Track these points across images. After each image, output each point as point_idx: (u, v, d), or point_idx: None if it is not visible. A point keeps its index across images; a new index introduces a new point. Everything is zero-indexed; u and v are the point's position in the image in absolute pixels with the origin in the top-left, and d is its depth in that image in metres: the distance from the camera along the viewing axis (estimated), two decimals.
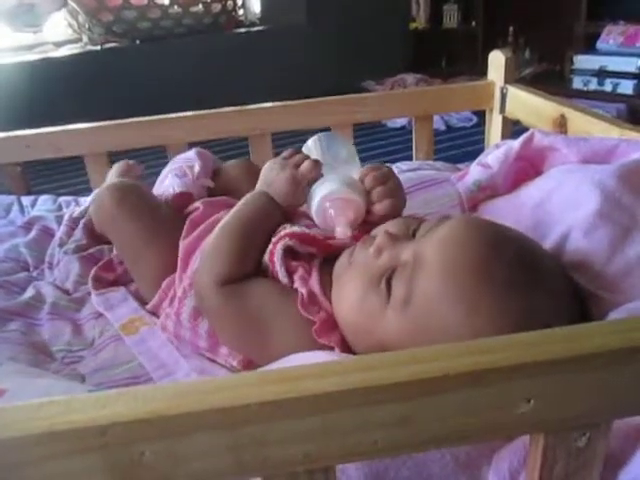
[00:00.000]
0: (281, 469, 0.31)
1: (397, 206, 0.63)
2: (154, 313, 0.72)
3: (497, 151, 0.73)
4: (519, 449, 0.37)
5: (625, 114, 2.56)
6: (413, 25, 3.62)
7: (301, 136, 0.73)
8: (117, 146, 1.03)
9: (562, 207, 0.59)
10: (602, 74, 2.74)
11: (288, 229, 0.60)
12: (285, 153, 0.67)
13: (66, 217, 0.94)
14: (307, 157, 0.65)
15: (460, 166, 1.03)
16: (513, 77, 1.06)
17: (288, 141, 0.71)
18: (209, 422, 0.29)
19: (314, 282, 0.57)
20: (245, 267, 0.59)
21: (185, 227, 0.74)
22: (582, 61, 2.82)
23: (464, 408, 0.31)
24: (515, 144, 0.71)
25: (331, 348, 0.53)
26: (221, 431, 0.29)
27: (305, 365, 0.31)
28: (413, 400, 0.30)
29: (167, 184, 0.87)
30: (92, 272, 0.81)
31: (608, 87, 2.72)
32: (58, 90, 2.52)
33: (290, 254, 0.59)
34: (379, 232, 0.54)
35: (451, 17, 3.53)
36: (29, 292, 0.81)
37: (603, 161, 0.65)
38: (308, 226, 0.62)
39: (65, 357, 0.69)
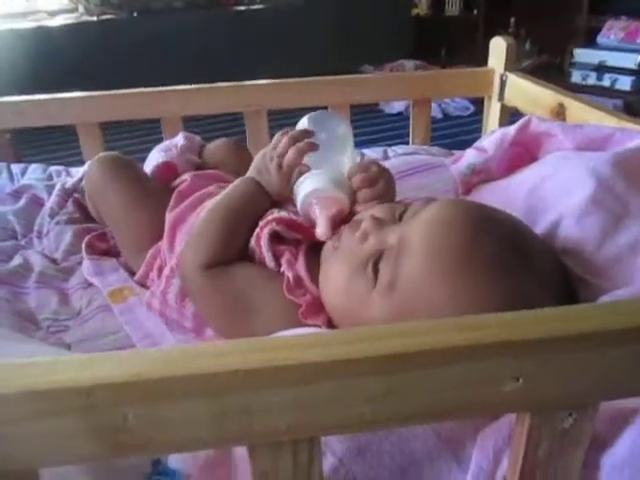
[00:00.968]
0: (265, 438, 0.31)
1: None
2: (142, 284, 0.72)
3: (493, 135, 0.73)
4: (504, 428, 0.38)
5: (621, 110, 2.56)
6: (415, 11, 3.60)
7: (298, 114, 0.72)
8: (110, 116, 1.02)
9: (555, 193, 0.59)
10: (601, 69, 2.73)
11: (275, 214, 0.60)
12: (274, 141, 0.65)
13: (58, 187, 0.93)
14: (292, 144, 0.62)
15: (456, 152, 1.02)
16: (513, 65, 1.06)
17: (284, 119, 0.69)
18: (193, 388, 0.29)
19: (300, 266, 0.57)
20: (231, 251, 0.59)
21: (172, 198, 0.74)
22: (582, 55, 2.82)
23: (451, 384, 0.31)
24: (511, 129, 0.71)
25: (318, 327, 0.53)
26: (205, 397, 0.29)
27: (292, 335, 0.31)
28: (398, 374, 0.30)
29: (151, 159, 0.87)
30: (86, 239, 0.81)
31: (606, 82, 2.72)
32: (51, 60, 2.48)
33: (277, 239, 0.59)
34: (365, 217, 0.54)
35: (453, 4, 3.50)
36: (16, 260, 0.80)
37: (599, 149, 0.65)
38: (295, 212, 0.62)
39: (51, 326, 0.68)
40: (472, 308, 0.45)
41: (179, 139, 0.91)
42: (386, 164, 0.90)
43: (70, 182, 0.94)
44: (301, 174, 0.62)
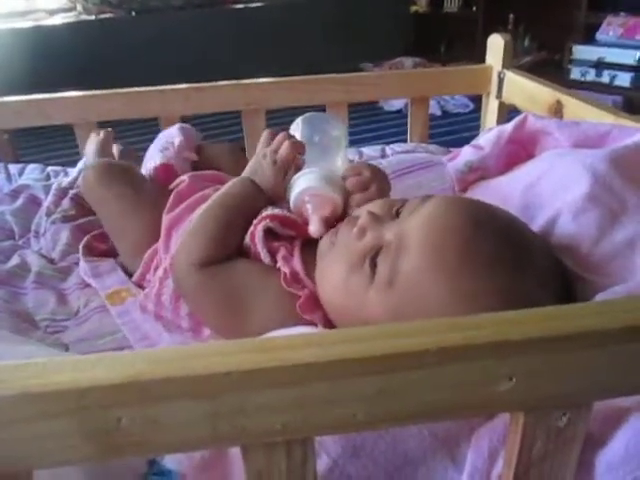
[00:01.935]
0: (259, 439, 0.31)
1: None
2: (140, 285, 0.72)
3: (489, 133, 0.72)
4: (499, 428, 0.38)
5: (621, 106, 2.55)
6: (414, 8, 3.59)
7: (296, 113, 0.72)
8: (108, 116, 1.02)
9: (552, 190, 0.59)
10: (600, 65, 2.73)
11: (269, 211, 0.60)
12: (263, 139, 0.65)
13: (54, 186, 0.93)
14: (285, 139, 0.63)
15: (454, 150, 1.02)
16: (511, 62, 1.05)
17: (283, 118, 0.69)
18: (187, 389, 0.29)
19: (296, 262, 0.57)
20: (225, 250, 0.59)
21: (170, 200, 0.74)
22: (581, 51, 2.81)
23: (445, 384, 0.31)
24: (508, 126, 0.71)
25: (314, 325, 0.53)
26: (199, 399, 0.29)
27: (286, 335, 0.31)
28: (393, 374, 0.30)
29: (148, 159, 0.87)
30: (85, 239, 0.81)
31: (605, 79, 2.72)
32: (50, 59, 2.48)
33: (271, 236, 0.59)
34: (362, 212, 0.54)
35: (452, 1, 3.49)
36: (14, 260, 0.80)
37: (595, 146, 0.65)
38: (289, 209, 0.62)
39: (49, 326, 0.68)
40: (472, 304, 0.45)
41: (175, 134, 0.90)
42: (383, 163, 0.91)
43: (66, 181, 0.94)
44: (296, 171, 0.62)
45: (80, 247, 0.80)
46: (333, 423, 0.31)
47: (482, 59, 1.10)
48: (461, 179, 0.70)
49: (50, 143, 2.14)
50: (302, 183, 0.60)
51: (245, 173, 0.66)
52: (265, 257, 0.57)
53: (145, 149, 0.94)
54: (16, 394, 0.28)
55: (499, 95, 1.06)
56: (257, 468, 0.32)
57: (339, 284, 0.52)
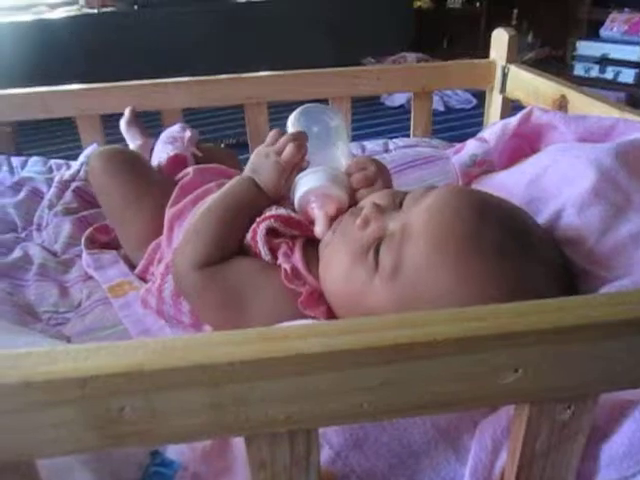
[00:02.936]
0: (262, 429, 0.31)
1: None
2: (142, 278, 0.72)
3: (494, 126, 0.72)
4: (502, 420, 0.37)
5: (625, 103, 2.54)
6: (417, 3, 3.57)
7: (298, 107, 0.72)
8: (110, 109, 1.01)
9: (557, 183, 0.58)
10: (604, 62, 2.72)
11: (273, 211, 0.59)
12: (269, 138, 0.65)
13: (56, 179, 0.93)
14: (290, 140, 0.62)
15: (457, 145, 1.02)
16: (515, 56, 1.05)
17: (285, 113, 0.69)
18: (190, 379, 0.28)
19: (297, 258, 0.56)
20: (224, 251, 0.58)
21: (174, 193, 0.73)
22: (585, 48, 2.80)
23: (451, 375, 0.30)
24: (513, 120, 0.70)
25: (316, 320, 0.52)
26: (202, 388, 0.29)
27: (291, 325, 0.30)
28: (398, 365, 0.30)
29: (159, 151, 0.86)
30: (87, 232, 0.81)
31: (609, 75, 2.71)
32: (52, 53, 2.48)
33: (273, 233, 0.58)
34: (366, 204, 0.54)
35: None
36: (16, 253, 0.80)
37: (600, 140, 0.64)
38: (293, 209, 0.61)
39: (51, 318, 0.68)
40: (476, 294, 0.45)
41: (181, 129, 0.91)
42: (386, 157, 0.90)
43: (68, 173, 0.94)
44: (299, 170, 0.61)
45: (82, 239, 0.80)
46: (338, 414, 0.31)
47: (485, 55, 1.09)
48: (466, 172, 0.70)
49: (52, 137, 2.13)
50: (307, 183, 0.60)
51: (246, 171, 0.65)
52: (265, 255, 0.57)
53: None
54: (18, 382, 0.27)
55: (503, 90, 1.05)
56: (260, 459, 0.32)
57: (343, 275, 0.51)
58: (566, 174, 0.59)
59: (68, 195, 0.89)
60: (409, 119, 1.14)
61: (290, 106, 0.70)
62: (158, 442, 0.35)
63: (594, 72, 2.76)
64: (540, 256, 0.48)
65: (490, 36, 1.08)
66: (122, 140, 0.96)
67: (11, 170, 1.02)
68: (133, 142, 0.94)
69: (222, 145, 2.13)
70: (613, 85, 2.67)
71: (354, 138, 1.04)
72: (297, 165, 0.62)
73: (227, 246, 0.58)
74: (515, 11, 3.14)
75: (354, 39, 3.10)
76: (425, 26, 3.47)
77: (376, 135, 1.16)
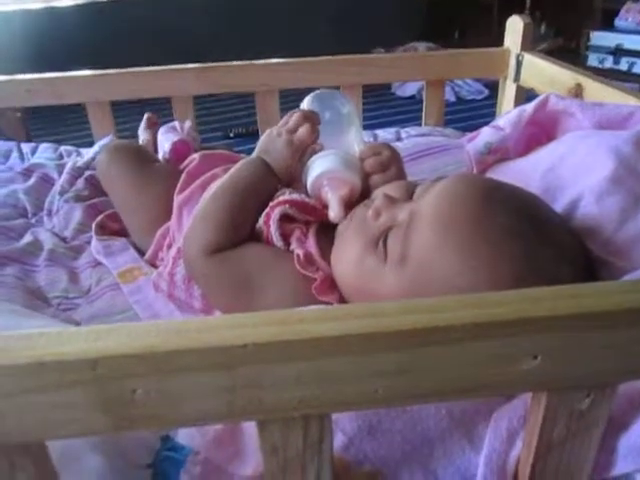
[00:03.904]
0: (276, 414, 0.30)
1: None
2: (152, 264, 0.72)
3: (510, 114, 0.71)
4: (518, 409, 0.37)
5: None
6: None
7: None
8: (120, 95, 1.01)
9: (574, 172, 0.57)
10: (618, 52, 2.68)
11: (287, 195, 0.58)
12: (282, 121, 0.64)
13: (69, 166, 0.93)
14: (304, 120, 0.62)
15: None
16: (530, 44, 1.03)
17: (297, 101, 0.68)
18: (203, 361, 0.28)
19: (311, 243, 0.56)
20: (235, 236, 0.57)
21: (181, 179, 0.73)
22: (599, 38, 2.76)
23: (467, 361, 0.30)
24: (529, 107, 0.69)
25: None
26: (215, 371, 0.28)
27: (306, 309, 0.30)
28: (413, 350, 0.29)
29: (161, 142, 0.86)
30: (98, 218, 0.81)
31: (624, 66, 2.67)
32: (62, 40, 2.47)
33: (286, 219, 0.57)
34: (378, 195, 0.54)
35: None
36: (27, 238, 0.80)
37: (618, 128, 0.63)
38: (306, 193, 0.60)
39: (61, 304, 0.68)
40: (485, 278, 0.44)
41: (177, 123, 0.92)
42: (398, 146, 0.89)
43: (81, 161, 0.94)
44: (312, 154, 0.60)
45: (93, 225, 0.79)
46: (352, 399, 0.30)
47: (497, 45, 1.07)
48: (480, 160, 0.69)
49: (62, 126, 2.13)
50: (319, 166, 0.59)
51: (256, 151, 0.64)
52: (277, 241, 0.56)
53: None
54: (29, 363, 0.27)
55: (517, 78, 1.03)
56: (272, 444, 0.32)
57: (354, 265, 0.51)
58: (584, 162, 0.58)
59: (80, 182, 0.89)
60: (420, 109, 1.13)
61: (301, 95, 0.69)
62: (170, 425, 0.34)
63: (608, 63, 2.72)
64: (554, 242, 0.47)
65: (503, 27, 1.06)
66: (131, 127, 0.96)
67: (21, 156, 1.02)
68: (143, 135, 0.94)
69: (231, 134, 2.12)
70: (627, 76, 2.62)
71: (365, 128, 1.03)
72: (309, 146, 0.61)
73: (237, 231, 0.58)
74: (528, 1, 3.10)
75: (364, 29, 3.07)
76: (436, 16, 3.43)
77: (387, 125, 1.15)
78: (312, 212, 0.58)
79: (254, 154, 0.64)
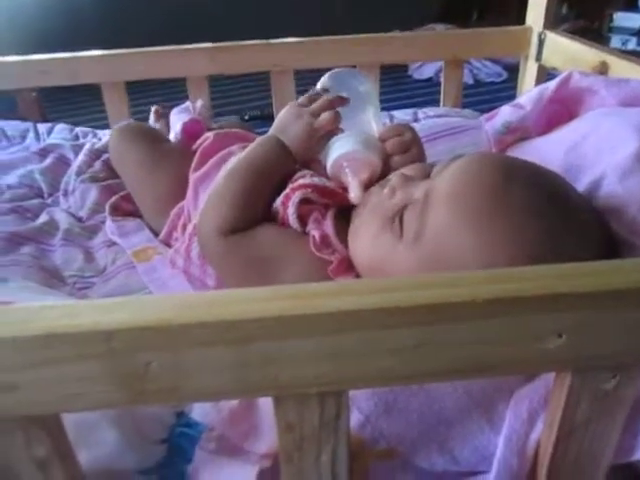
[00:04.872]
0: (291, 390, 0.30)
1: None
2: (167, 244, 0.71)
3: (531, 92, 0.69)
4: (540, 389, 0.36)
5: None
6: None
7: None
8: (135, 75, 1.00)
9: (597, 151, 0.56)
10: None
11: (308, 179, 0.57)
12: (303, 99, 0.63)
13: (87, 147, 0.93)
14: (329, 107, 0.60)
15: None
16: (553, 23, 1.00)
17: (312, 81, 0.67)
18: (218, 335, 0.27)
19: (328, 225, 0.55)
20: (249, 216, 0.57)
21: (196, 158, 0.72)
22: (622, 19, 2.69)
23: (488, 338, 0.29)
24: (551, 84, 0.67)
25: None
26: (229, 346, 0.28)
27: (322, 283, 0.29)
28: (432, 326, 0.28)
29: (174, 123, 0.86)
30: (112, 199, 0.81)
31: None
32: (76, 20, 2.47)
33: (305, 201, 0.56)
34: (396, 174, 0.53)
35: None
36: (42, 218, 0.80)
37: None
38: (326, 176, 0.59)
39: (76, 282, 0.68)
40: (501, 255, 0.43)
41: (189, 104, 0.91)
42: (416, 126, 0.87)
43: (100, 143, 0.94)
44: (331, 136, 0.59)
45: (107, 206, 0.79)
46: (369, 376, 0.29)
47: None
48: (499, 140, 0.67)
49: (78, 107, 2.14)
50: (339, 148, 0.58)
51: (273, 128, 0.63)
52: (294, 223, 0.55)
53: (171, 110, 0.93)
54: (43, 335, 0.27)
55: (539, 58, 1.01)
56: (288, 420, 0.31)
57: (370, 243, 0.51)
58: (607, 140, 0.56)
59: (98, 164, 0.89)
60: (438, 92, 1.10)
61: (318, 76, 0.68)
62: (184, 399, 0.34)
63: (631, 44, 2.65)
64: (574, 219, 0.45)
65: (522, 6, 1.03)
66: (145, 109, 0.95)
67: (37, 136, 1.02)
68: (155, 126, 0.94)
69: (246, 117, 2.11)
70: None
71: (382, 109, 1.01)
72: (329, 132, 0.60)
73: (251, 212, 0.57)
74: None
75: (381, 11, 3.03)
76: None
77: (403, 108, 1.13)
78: (332, 195, 0.58)
79: (270, 131, 0.63)
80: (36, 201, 0.84)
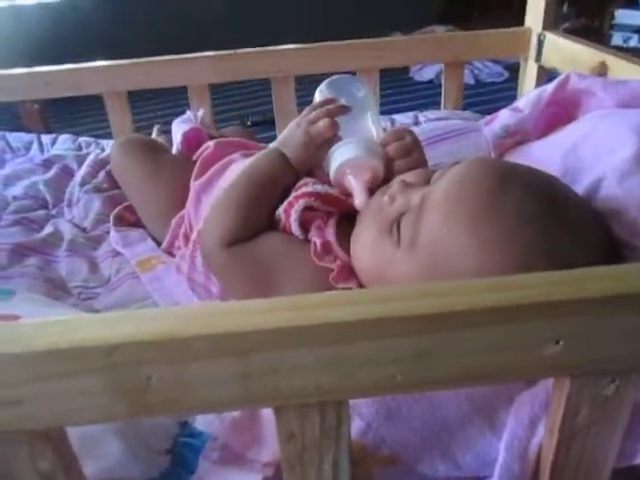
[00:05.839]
0: (292, 400, 0.30)
1: None
2: (169, 253, 0.72)
3: (529, 94, 0.69)
4: (541, 394, 0.36)
5: None
6: None
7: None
8: (137, 85, 1.01)
9: (596, 153, 0.56)
10: None
11: (311, 187, 0.58)
12: (306, 110, 0.63)
13: (91, 158, 0.94)
14: (326, 115, 0.61)
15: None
16: (552, 23, 1.01)
17: (312, 87, 0.67)
18: (218, 347, 0.28)
19: (330, 232, 0.55)
20: (251, 227, 0.57)
21: (197, 167, 0.73)
22: (623, 16, 2.68)
23: (487, 346, 0.29)
24: (549, 87, 0.67)
25: None
26: (231, 357, 0.28)
27: (322, 294, 0.29)
28: (431, 335, 0.29)
29: (175, 134, 0.87)
30: (116, 210, 0.81)
31: None
32: (81, 33, 2.49)
33: (307, 209, 0.57)
34: (396, 181, 0.53)
35: None
36: (47, 229, 0.81)
37: None
38: (328, 182, 0.60)
39: (81, 293, 0.69)
40: (497, 259, 0.43)
41: (190, 113, 0.92)
42: (416, 130, 0.88)
43: (103, 154, 0.95)
44: (332, 143, 0.60)
45: (111, 217, 0.80)
46: (369, 385, 0.30)
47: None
48: (498, 144, 0.67)
49: (80, 117, 2.15)
50: (341, 155, 0.58)
51: (276, 142, 0.64)
52: (296, 230, 0.56)
53: (173, 119, 0.94)
54: (45, 350, 0.27)
55: (538, 59, 1.01)
56: (290, 430, 0.31)
57: (370, 250, 0.51)
58: (605, 142, 0.56)
59: (101, 175, 0.90)
60: (439, 94, 1.11)
61: (318, 81, 0.68)
62: (186, 411, 0.34)
63: (633, 42, 2.64)
64: (573, 223, 0.45)
65: (523, 7, 1.03)
66: (147, 117, 0.96)
67: (41, 148, 1.03)
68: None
69: (248, 122, 2.11)
70: None
71: (383, 112, 1.02)
72: (328, 139, 0.60)
73: (253, 223, 0.57)
74: None
75: (381, 13, 3.03)
76: None
77: (405, 110, 1.13)
78: (335, 203, 0.58)
79: (273, 144, 0.64)
80: (41, 212, 0.85)
